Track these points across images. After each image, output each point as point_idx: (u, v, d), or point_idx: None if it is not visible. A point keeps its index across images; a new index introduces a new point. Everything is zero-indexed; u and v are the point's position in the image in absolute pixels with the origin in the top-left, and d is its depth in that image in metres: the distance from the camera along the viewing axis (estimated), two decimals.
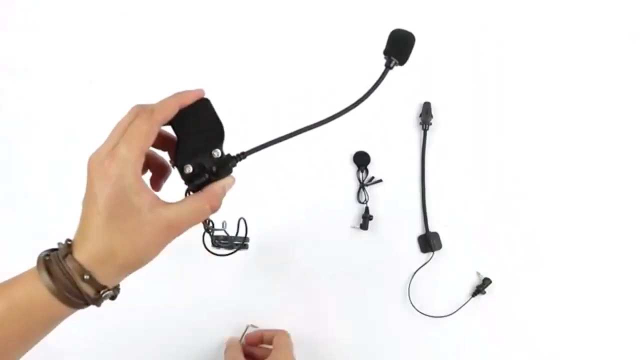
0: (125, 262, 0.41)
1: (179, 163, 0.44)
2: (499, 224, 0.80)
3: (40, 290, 0.39)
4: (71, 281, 0.39)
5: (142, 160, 0.41)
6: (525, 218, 0.80)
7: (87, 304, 0.41)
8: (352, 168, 0.81)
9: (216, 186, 0.45)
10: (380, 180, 0.81)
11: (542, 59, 0.84)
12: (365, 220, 0.79)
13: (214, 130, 0.45)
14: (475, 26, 0.85)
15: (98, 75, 0.83)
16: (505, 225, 0.80)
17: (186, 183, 0.45)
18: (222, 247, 0.61)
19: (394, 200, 0.80)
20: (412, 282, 0.78)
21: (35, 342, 0.42)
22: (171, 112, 0.43)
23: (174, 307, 0.76)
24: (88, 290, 0.40)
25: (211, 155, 0.44)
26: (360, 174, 0.81)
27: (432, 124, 0.82)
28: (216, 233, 0.49)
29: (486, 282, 0.78)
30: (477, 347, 0.78)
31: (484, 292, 0.78)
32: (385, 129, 0.82)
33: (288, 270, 0.79)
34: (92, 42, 0.84)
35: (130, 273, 0.43)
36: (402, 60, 0.52)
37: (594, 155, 0.82)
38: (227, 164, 0.45)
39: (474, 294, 0.78)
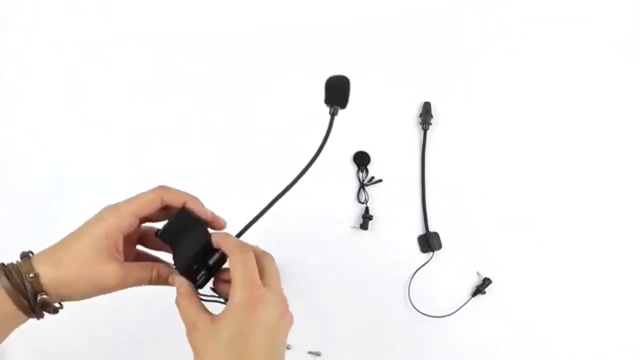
0: (67, 277, 0.44)
1: (180, 269, 0.48)
2: (499, 224, 0.80)
3: None
4: (19, 277, 0.43)
5: (132, 219, 0.45)
6: (525, 218, 0.80)
7: (30, 307, 0.43)
8: (352, 168, 0.81)
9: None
10: (380, 180, 0.80)
11: (542, 59, 0.84)
12: (365, 220, 0.79)
13: (202, 233, 0.48)
14: (475, 26, 0.85)
15: (98, 75, 0.83)
16: (505, 225, 0.80)
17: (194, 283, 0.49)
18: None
19: (394, 200, 0.80)
20: (412, 282, 0.78)
21: None
22: (178, 199, 0.47)
23: (172, 308, 0.76)
24: (30, 289, 0.43)
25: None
26: (360, 174, 0.81)
27: (432, 124, 0.82)
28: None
29: (486, 282, 0.78)
30: (477, 347, 0.77)
31: (484, 292, 0.78)
32: (385, 129, 0.82)
33: (288, 270, 0.78)
34: (92, 42, 0.84)
35: (74, 294, 0.45)
36: (343, 105, 0.54)
37: (593, 155, 0.82)
38: (221, 257, 0.49)
39: (474, 294, 0.78)
